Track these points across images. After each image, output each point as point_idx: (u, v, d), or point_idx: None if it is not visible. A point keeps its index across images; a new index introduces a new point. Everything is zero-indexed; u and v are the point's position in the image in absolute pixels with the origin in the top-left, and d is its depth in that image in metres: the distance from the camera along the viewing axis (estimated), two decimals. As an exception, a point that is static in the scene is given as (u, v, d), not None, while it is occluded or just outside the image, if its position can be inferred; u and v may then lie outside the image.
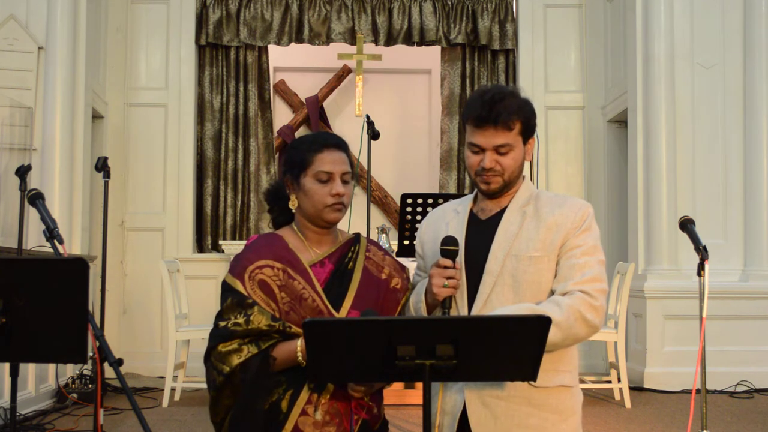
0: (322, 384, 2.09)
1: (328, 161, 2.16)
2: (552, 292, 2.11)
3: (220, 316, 2.11)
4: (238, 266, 2.13)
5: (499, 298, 2.09)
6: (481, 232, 2.16)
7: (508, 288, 2.08)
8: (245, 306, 2.07)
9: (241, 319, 2.06)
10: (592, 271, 2.08)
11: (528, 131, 2.14)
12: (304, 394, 2.08)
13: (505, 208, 2.17)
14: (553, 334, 1.96)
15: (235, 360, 2.05)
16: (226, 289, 2.12)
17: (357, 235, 2.32)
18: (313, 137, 2.24)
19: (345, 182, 2.18)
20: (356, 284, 2.19)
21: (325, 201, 2.15)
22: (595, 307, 2.05)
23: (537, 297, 2.09)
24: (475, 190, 2.24)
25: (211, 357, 2.10)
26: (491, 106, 2.06)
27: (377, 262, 2.27)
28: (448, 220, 2.23)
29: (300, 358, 2.05)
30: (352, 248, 2.26)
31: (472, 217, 2.21)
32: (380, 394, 2.24)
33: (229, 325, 2.07)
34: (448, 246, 2.06)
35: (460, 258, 2.12)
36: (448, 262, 2.05)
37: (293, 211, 2.24)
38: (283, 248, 2.17)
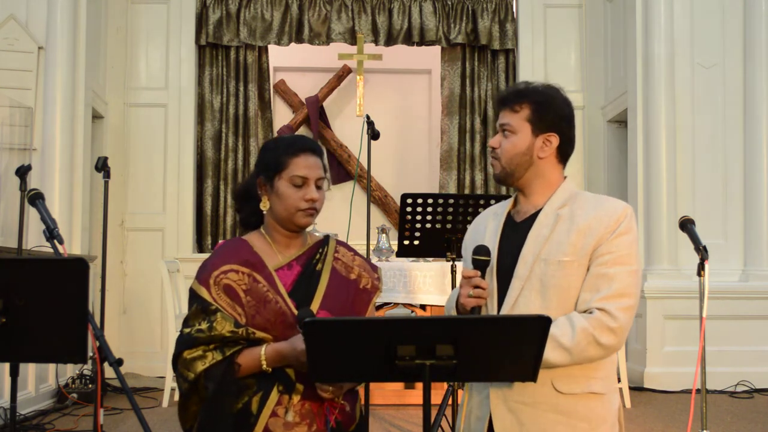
0: (291, 385, 2.08)
1: (303, 166, 2.14)
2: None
3: (185, 323, 2.11)
4: (203, 272, 2.13)
5: (526, 302, 2.04)
6: (515, 235, 2.12)
7: (535, 293, 2.04)
8: (208, 312, 2.07)
9: (204, 326, 2.05)
10: (620, 283, 1.98)
11: (539, 122, 2.10)
12: (274, 396, 2.08)
13: (540, 210, 2.12)
14: (562, 358, 1.95)
15: (200, 366, 2.05)
16: (192, 296, 2.12)
17: (326, 237, 2.31)
18: (290, 140, 2.22)
19: (319, 188, 2.17)
20: (324, 285, 2.18)
21: (298, 205, 2.14)
22: (612, 329, 1.96)
23: (564, 302, 2.03)
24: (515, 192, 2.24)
25: (177, 364, 2.10)
26: (509, 90, 2.16)
27: (346, 262, 2.26)
28: (487, 224, 2.21)
29: (264, 365, 2.06)
30: (321, 250, 2.25)
31: (509, 220, 2.18)
32: (355, 393, 2.23)
33: (193, 332, 2.07)
34: (478, 256, 2.05)
35: (492, 262, 2.10)
36: (471, 272, 2.03)
37: (264, 212, 2.22)
38: (249, 252, 2.16)
